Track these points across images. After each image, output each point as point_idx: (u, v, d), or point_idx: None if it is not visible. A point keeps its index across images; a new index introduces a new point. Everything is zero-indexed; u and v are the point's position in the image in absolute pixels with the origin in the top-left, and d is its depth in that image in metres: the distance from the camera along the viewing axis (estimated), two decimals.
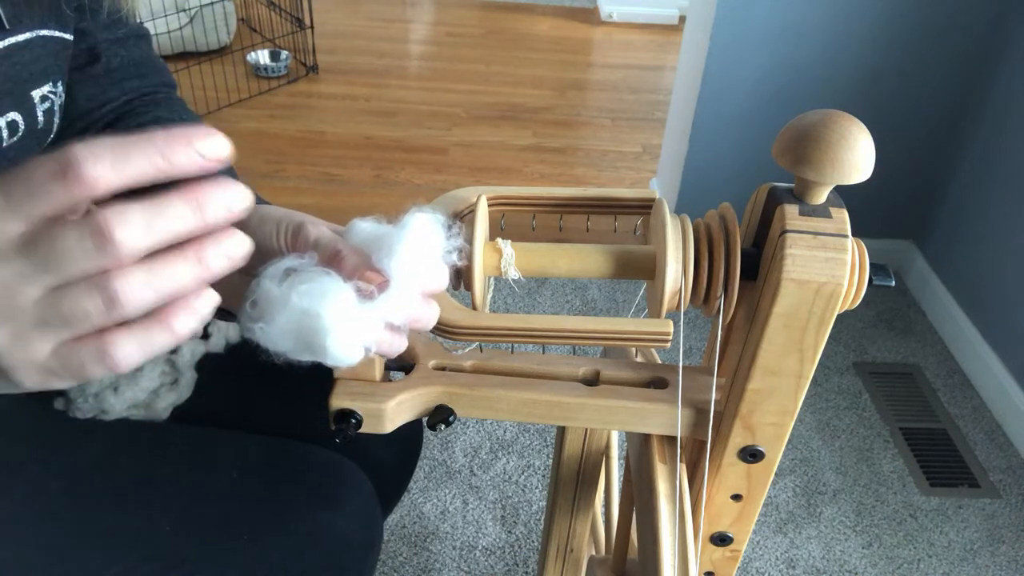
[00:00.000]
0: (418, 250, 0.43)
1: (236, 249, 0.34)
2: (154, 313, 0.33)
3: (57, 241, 0.30)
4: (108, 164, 0.30)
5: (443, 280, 0.45)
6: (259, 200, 0.58)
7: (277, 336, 0.40)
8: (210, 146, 0.32)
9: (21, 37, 0.55)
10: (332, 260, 0.43)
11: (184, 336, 0.34)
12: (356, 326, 0.41)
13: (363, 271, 0.42)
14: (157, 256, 0.32)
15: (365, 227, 0.45)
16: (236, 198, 0.33)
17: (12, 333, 0.32)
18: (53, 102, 0.59)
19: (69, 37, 0.60)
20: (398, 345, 0.44)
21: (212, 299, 0.34)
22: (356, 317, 0.41)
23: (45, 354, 0.33)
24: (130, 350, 0.33)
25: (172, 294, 0.33)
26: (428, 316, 0.45)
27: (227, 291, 0.49)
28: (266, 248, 0.47)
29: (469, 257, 0.48)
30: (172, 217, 0.31)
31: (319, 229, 0.46)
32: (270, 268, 0.41)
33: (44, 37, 0.57)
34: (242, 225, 0.49)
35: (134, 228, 0.30)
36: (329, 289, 0.40)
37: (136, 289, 0.31)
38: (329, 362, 0.41)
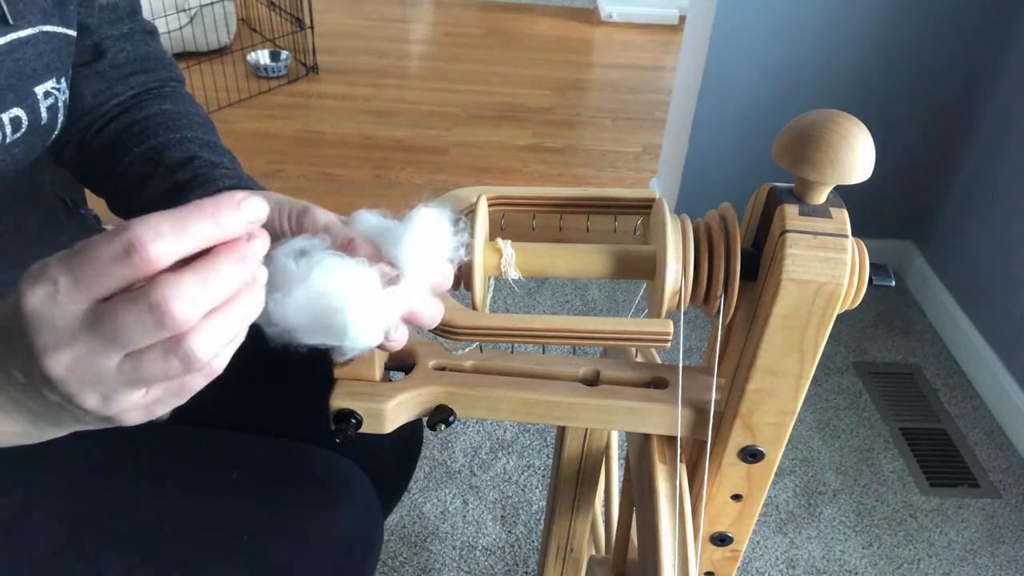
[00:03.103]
0: (427, 244, 0.43)
1: (265, 277, 0.36)
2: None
3: (119, 319, 0.31)
4: (170, 240, 0.31)
5: (449, 278, 0.45)
6: (256, 187, 0.57)
7: (291, 310, 0.39)
8: (253, 209, 0.34)
9: (24, 33, 0.55)
10: (344, 247, 0.42)
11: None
12: (379, 309, 0.40)
13: (376, 261, 0.42)
14: (219, 307, 0.33)
15: (370, 219, 0.45)
16: (263, 239, 0.35)
17: (102, 395, 0.34)
18: (57, 98, 0.59)
19: (72, 33, 0.60)
20: (405, 341, 0.44)
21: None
22: (379, 301, 0.40)
23: (139, 398, 0.35)
24: (220, 360, 0.35)
25: (239, 332, 0.35)
26: (433, 313, 0.44)
27: None
28: (268, 230, 0.46)
29: (469, 257, 0.48)
30: (223, 278, 0.33)
31: (327, 215, 0.46)
32: (283, 246, 0.41)
33: (47, 33, 0.57)
34: None
35: (190, 299, 0.31)
36: (354, 270, 0.40)
37: (209, 345, 0.33)
38: (347, 343, 0.40)
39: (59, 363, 0.32)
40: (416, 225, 0.43)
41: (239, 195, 0.33)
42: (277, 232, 0.46)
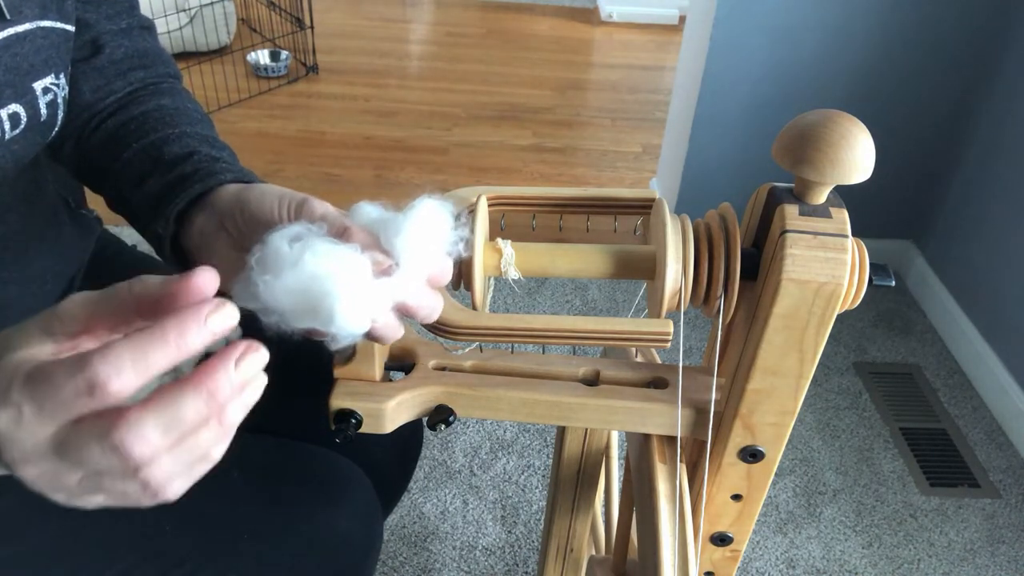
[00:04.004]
0: (426, 235, 0.42)
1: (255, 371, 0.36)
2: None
3: (83, 452, 0.33)
4: (130, 375, 0.32)
5: (447, 271, 0.44)
6: (256, 180, 0.57)
7: (281, 292, 0.39)
8: (220, 319, 0.34)
9: (22, 28, 0.55)
10: (340, 235, 0.42)
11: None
12: (368, 297, 0.40)
13: (370, 249, 0.42)
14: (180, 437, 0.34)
15: (371, 211, 0.44)
16: (222, 319, 0.34)
17: (67, 494, 0.36)
18: (56, 94, 0.59)
19: (71, 28, 0.60)
20: (396, 332, 0.44)
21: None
22: (369, 288, 0.40)
23: (100, 500, 0.36)
24: (177, 486, 0.36)
25: (200, 452, 0.36)
26: (432, 305, 0.44)
27: (223, 271, 0.49)
28: (267, 222, 0.46)
29: (469, 257, 0.48)
30: (188, 416, 0.33)
31: (325, 205, 0.46)
32: (279, 231, 0.40)
33: (45, 28, 0.57)
34: (242, 201, 0.49)
35: (151, 440, 0.32)
36: (346, 255, 0.39)
37: (167, 472, 0.34)
38: (333, 329, 0.40)
39: (28, 473, 0.34)
40: (416, 215, 0.42)
41: (206, 308, 0.33)
42: (276, 225, 0.46)
